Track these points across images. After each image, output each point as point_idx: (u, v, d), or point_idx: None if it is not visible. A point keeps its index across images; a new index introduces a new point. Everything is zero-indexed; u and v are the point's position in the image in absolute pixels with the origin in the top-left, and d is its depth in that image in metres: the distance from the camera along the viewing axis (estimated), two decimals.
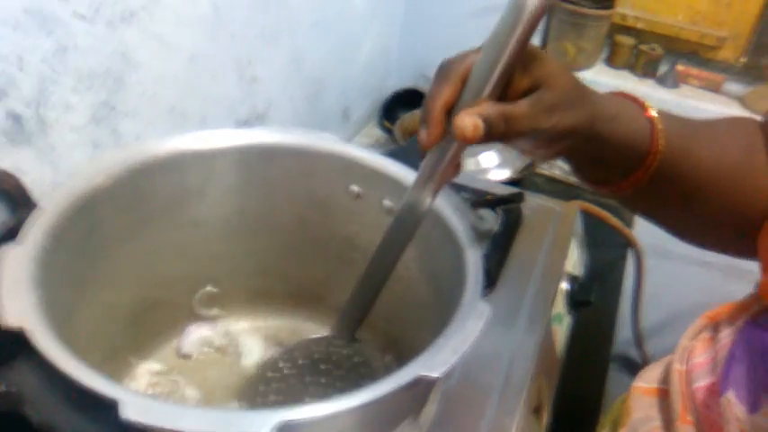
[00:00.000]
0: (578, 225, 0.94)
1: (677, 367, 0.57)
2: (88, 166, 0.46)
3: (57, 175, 0.59)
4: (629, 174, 0.48)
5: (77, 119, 0.60)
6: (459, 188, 0.91)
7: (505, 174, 1.12)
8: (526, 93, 0.41)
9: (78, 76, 0.58)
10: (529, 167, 1.13)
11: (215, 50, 0.76)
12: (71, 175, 0.59)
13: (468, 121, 0.39)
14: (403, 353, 0.58)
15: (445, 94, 0.41)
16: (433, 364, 0.34)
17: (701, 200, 0.50)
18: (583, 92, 0.43)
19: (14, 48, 0.51)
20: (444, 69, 0.41)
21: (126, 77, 0.64)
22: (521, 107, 0.40)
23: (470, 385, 0.58)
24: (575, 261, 0.89)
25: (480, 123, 0.39)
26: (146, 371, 0.56)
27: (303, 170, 0.55)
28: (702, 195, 0.49)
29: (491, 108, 0.39)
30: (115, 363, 0.54)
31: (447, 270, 0.48)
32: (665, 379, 0.60)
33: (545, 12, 0.38)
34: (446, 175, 0.43)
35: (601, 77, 1.23)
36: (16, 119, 0.54)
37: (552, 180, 1.22)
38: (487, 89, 0.39)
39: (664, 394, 0.59)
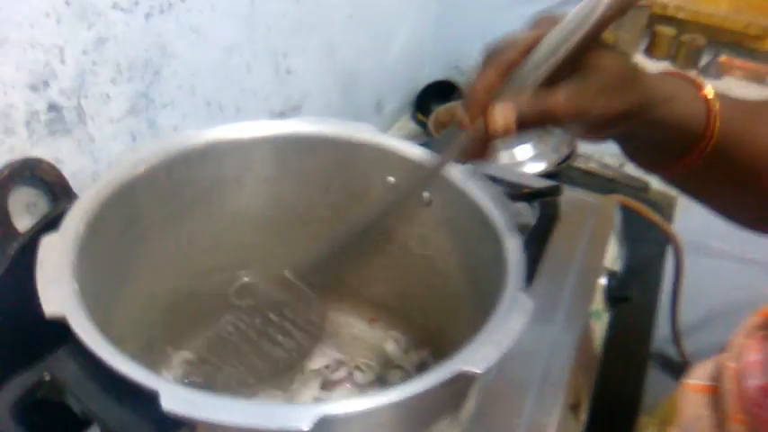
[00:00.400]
0: (617, 219, 0.92)
1: (730, 365, 0.56)
2: (127, 157, 0.46)
3: (96, 165, 0.60)
4: (683, 156, 0.46)
5: (116, 110, 0.60)
6: (495, 181, 0.90)
7: (541, 166, 1.10)
8: (572, 74, 0.40)
9: (117, 68, 0.59)
10: (565, 160, 1.11)
11: (251, 42, 0.76)
12: (110, 165, 0.60)
13: (500, 117, 0.38)
14: (441, 347, 0.58)
15: (488, 79, 0.40)
16: (474, 359, 0.34)
17: (757, 181, 0.48)
18: (634, 74, 0.41)
19: (57, 40, 0.52)
20: (492, 52, 0.41)
21: (163, 69, 0.64)
22: (561, 97, 0.39)
23: (508, 382, 0.57)
24: (613, 256, 0.87)
25: (511, 121, 0.38)
26: (182, 360, 0.56)
27: (339, 161, 0.55)
28: (759, 176, 0.47)
29: (528, 103, 0.39)
30: (152, 352, 0.55)
31: (486, 263, 0.47)
32: (717, 376, 0.58)
33: (622, 11, 0.37)
34: (475, 154, 0.43)
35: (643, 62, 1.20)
36: (57, 110, 0.54)
37: (588, 173, 1.19)
38: (536, 79, 0.38)
39: (714, 392, 0.57)
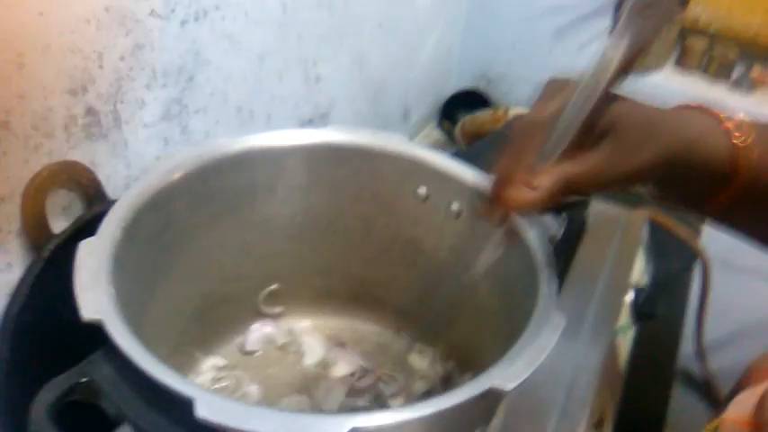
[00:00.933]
0: (644, 234, 0.91)
1: None
2: (162, 164, 0.47)
3: (128, 169, 0.61)
4: (715, 195, 0.44)
5: (150, 115, 0.61)
6: None
7: None
8: (599, 136, 0.40)
9: (153, 74, 0.59)
10: None
11: (282, 50, 0.76)
12: (145, 171, 0.61)
13: (515, 198, 0.40)
14: (466, 360, 0.58)
15: (504, 166, 0.41)
16: (505, 376, 0.34)
17: None
18: (654, 126, 0.41)
19: (96, 46, 0.53)
20: (513, 139, 0.41)
21: (197, 76, 0.65)
22: (584, 168, 0.40)
23: (532, 398, 0.57)
24: (640, 271, 0.86)
25: (529, 201, 0.40)
26: (210, 366, 0.56)
27: (370, 170, 0.55)
28: None
29: (547, 180, 0.39)
30: (181, 356, 0.55)
31: (517, 276, 0.47)
32: (759, 410, 0.57)
33: (631, 66, 0.37)
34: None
35: (670, 81, 1.18)
36: (94, 114, 0.55)
37: None
38: (555, 155, 0.39)
39: (758, 427, 0.56)
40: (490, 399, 0.34)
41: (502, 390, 0.33)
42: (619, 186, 0.42)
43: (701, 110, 0.45)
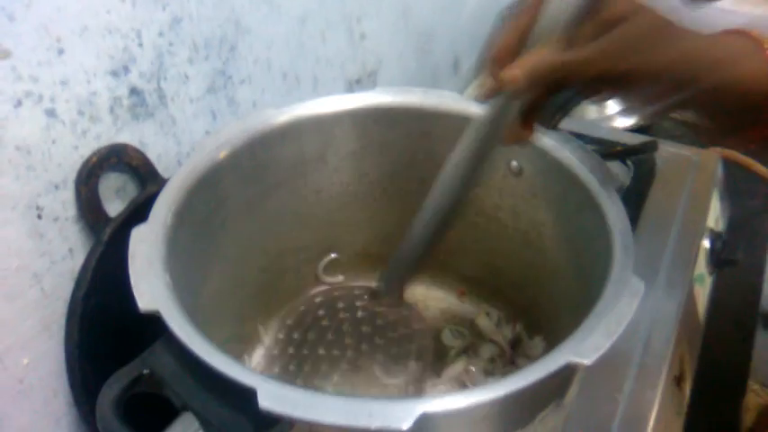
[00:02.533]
0: (718, 175, 0.85)
1: None
2: (208, 142, 0.46)
3: (179, 146, 0.60)
4: (755, 124, 0.40)
5: (195, 90, 0.60)
6: (583, 138, 0.85)
7: (631, 120, 1.03)
8: (604, 26, 0.36)
9: (194, 47, 0.58)
10: (660, 111, 1.03)
11: (323, 10, 0.73)
12: (193, 150, 0.60)
13: (508, 75, 0.36)
14: (534, 321, 0.55)
15: (506, 41, 0.38)
16: (583, 349, 0.31)
17: None
18: (669, 29, 0.36)
19: (133, 23, 0.51)
20: (508, 16, 0.38)
21: (239, 45, 0.63)
22: (583, 51, 0.35)
23: (608, 355, 0.54)
24: (716, 215, 0.81)
25: (520, 78, 0.36)
26: (273, 337, 0.56)
27: (424, 131, 0.53)
28: None
29: (546, 57, 0.36)
30: (243, 330, 0.55)
31: (587, 235, 0.44)
32: None
33: None
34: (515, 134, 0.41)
35: (741, 5, 1.09)
36: (138, 94, 0.54)
37: (684, 124, 1.11)
38: (557, 33, 0.35)
39: None
40: (567, 372, 0.32)
41: (581, 364, 0.31)
42: (614, 87, 0.38)
43: (741, 33, 0.40)
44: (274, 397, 0.29)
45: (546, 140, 0.47)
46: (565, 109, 0.60)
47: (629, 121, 1.03)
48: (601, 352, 0.31)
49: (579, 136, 0.85)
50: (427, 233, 0.49)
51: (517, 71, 0.36)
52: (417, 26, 0.95)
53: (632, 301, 0.34)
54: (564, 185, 0.46)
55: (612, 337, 0.32)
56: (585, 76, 0.36)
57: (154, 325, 0.35)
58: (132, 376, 0.32)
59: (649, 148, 0.81)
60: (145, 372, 0.33)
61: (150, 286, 0.34)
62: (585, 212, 0.43)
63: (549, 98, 0.39)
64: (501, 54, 0.38)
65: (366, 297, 0.56)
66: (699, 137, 0.44)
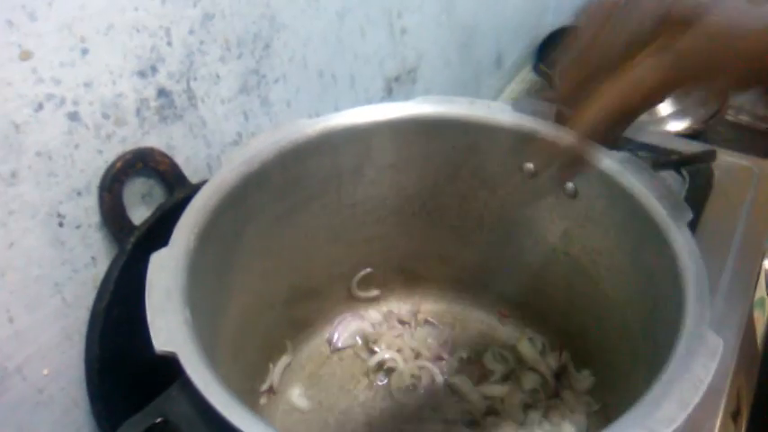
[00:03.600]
0: None
1: None
2: (236, 154, 0.42)
3: (209, 149, 0.57)
4: None
5: (226, 90, 0.57)
6: (631, 144, 0.80)
7: (684, 124, 0.97)
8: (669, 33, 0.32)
9: (226, 45, 0.55)
10: (714, 116, 0.97)
11: (363, 4, 0.69)
12: (222, 153, 0.57)
13: (567, 144, 0.35)
14: (582, 351, 0.51)
15: (571, 73, 0.35)
16: (655, 421, 0.27)
17: None
18: (746, 20, 0.31)
19: (162, 21, 0.48)
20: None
21: (274, 42, 0.59)
22: (642, 72, 0.32)
23: None
24: None
25: (580, 143, 0.34)
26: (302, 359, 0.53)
27: (468, 145, 0.49)
28: None
29: (603, 108, 0.33)
30: (271, 350, 0.52)
31: (650, 273, 0.39)
32: None
33: None
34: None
35: None
36: (166, 95, 0.51)
37: (739, 127, 1.04)
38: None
39: None
40: None
41: None
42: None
43: None
44: None
45: (604, 159, 0.43)
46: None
47: (681, 125, 0.97)
48: (675, 425, 0.27)
49: (630, 141, 0.80)
50: None
51: (574, 139, 0.34)
52: (460, 20, 0.90)
53: (709, 363, 0.30)
54: (625, 213, 0.41)
55: (688, 408, 0.28)
56: (655, 96, 0.32)
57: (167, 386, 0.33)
58: (146, 425, 0.29)
59: (707, 158, 0.76)
60: (159, 420, 0.30)
61: (167, 324, 0.31)
62: (650, 247, 0.39)
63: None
64: (566, 95, 0.35)
65: None
66: None
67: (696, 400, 0.28)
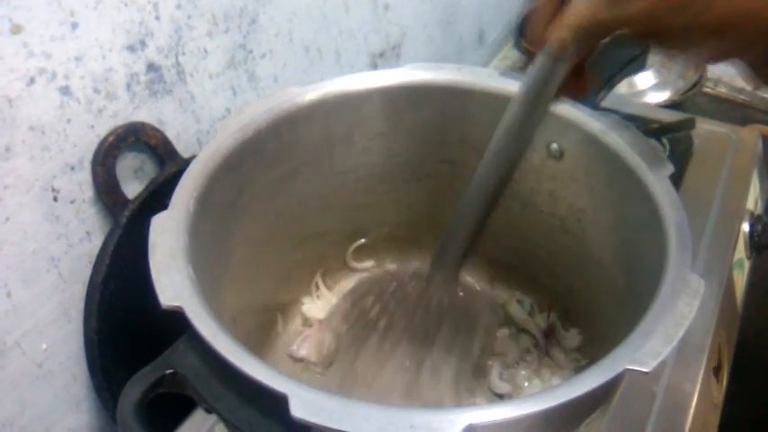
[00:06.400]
0: (759, 153, 0.81)
1: None
2: (230, 122, 0.43)
3: (198, 124, 0.58)
4: None
5: (214, 65, 0.57)
6: (616, 116, 0.81)
7: (664, 96, 0.99)
8: None
9: (213, 20, 0.55)
10: (693, 88, 0.99)
11: None
12: (212, 128, 0.58)
13: (555, 35, 0.35)
14: (570, 310, 0.53)
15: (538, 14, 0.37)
16: (641, 355, 0.29)
17: None
18: None
19: None
20: None
21: (260, 16, 0.60)
22: (631, 8, 0.32)
23: None
24: (756, 197, 0.78)
25: (567, 37, 0.35)
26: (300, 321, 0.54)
27: (456, 110, 0.50)
28: None
29: (590, 15, 0.34)
30: (269, 316, 0.53)
31: (634, 227, 0.41)
32: None
33: None
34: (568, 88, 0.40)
35: None
36: (156, 70, 0.52)
37: (718, 99, 1.06)
38: None
39: None
40: (620, 378, 0.30)
41: (639, 372, 0.28)
42: (669, 46, 0.35)
43: None
44: (308, 405, 0.27)
45: (589, 120, 0.44)
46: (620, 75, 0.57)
47: (661, 97, 0.99)
48: (660, 358, 0.29)
49: (613, 113, 0.82)
50: (480, 208, 0.47)
51: (564, 31, 0.34)
52: None
53: (692, 301, 0.31)
54: (610, 171, 0.43)
55: (672, 342, 0.29)
56: (635, 33, 0.34)
57: (175, 313, 0.33)
58: (155, 377, 0.30)
59: (687, 126, 0.77)
60: (168, 372, 0.31)
61: (172, 280, 0.32)
62: (634, 201, 0.40)
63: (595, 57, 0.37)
64: (540, 15, 0.36)
65: (414, 284, 0.54)
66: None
67: (680, 334, 0.29)
